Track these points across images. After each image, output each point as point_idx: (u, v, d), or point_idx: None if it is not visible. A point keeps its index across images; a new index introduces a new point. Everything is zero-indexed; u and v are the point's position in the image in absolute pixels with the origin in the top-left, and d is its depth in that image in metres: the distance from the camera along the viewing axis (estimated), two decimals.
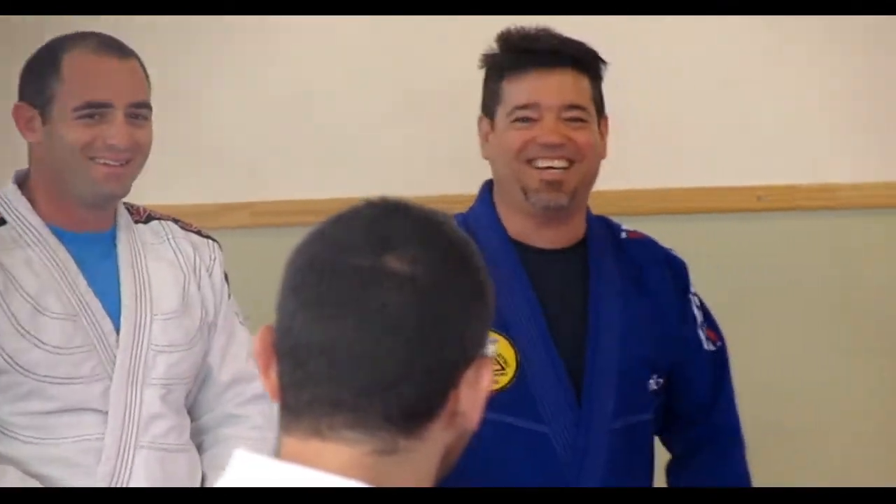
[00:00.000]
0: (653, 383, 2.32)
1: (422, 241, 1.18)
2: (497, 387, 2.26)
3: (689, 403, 2.41)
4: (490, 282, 1.21)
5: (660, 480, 2.54)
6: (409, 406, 1.12)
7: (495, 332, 2.27)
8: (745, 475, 2.45)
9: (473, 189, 2.56)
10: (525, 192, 2.25)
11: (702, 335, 2.40)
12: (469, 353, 1.15)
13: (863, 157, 3.45)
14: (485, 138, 2.34)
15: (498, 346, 2.29)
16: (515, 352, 2.26)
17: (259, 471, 1.15)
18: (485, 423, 2.22)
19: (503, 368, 2.27)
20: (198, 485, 2.48)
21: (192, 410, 2.54)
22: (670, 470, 2.50)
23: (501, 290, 2.29)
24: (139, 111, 2.38)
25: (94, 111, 2.34)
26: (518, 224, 2.29)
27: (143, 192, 2.53)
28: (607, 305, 2.30)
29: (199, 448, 2.54)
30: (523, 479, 2.28)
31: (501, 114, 2.30)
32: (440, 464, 1.19)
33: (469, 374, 1.14)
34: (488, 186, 2.38)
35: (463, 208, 2.49)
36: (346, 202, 1.23)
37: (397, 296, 1.14)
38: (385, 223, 1.17)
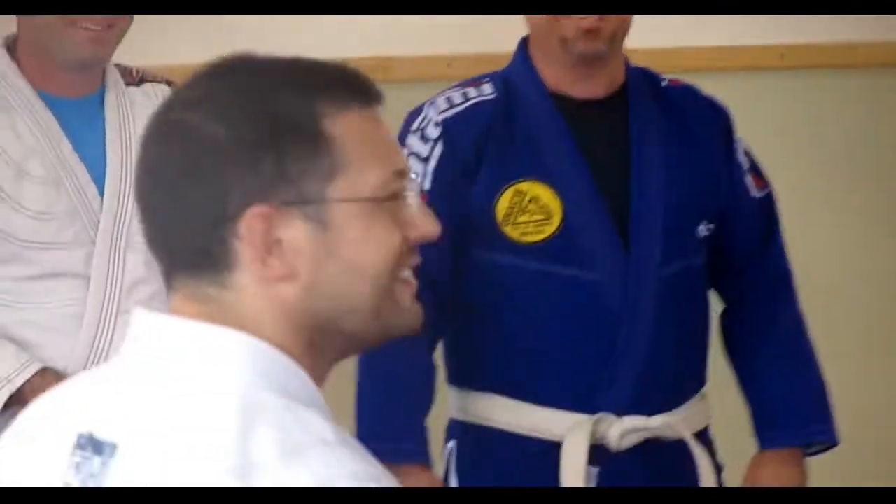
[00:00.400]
0: (703, 229, 2.32)
1: (210, 99, 1.20)
2: (542, 237, 2.28)
3: (739, 250, 2.42)
4: (289, 132, 1.21)
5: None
6: (188, 256, 1.17)
7: (538, 182, 2.30)
8: (799, 319, 2.45)
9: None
10: (563, 41, 2.26)
11: (748, 181, 2.41)
12: (239, 205, 1.15)
13: (886, 17, 3.47)
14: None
15: (543, 195, 2.31)
16: (560, 201, 2.27)
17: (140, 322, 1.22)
18: (531, 273, 2.25)
19: (548, 218, 2.27)
20: None
21: None
22: (724, 318, 2.50)
23: (543, 141, 2.30)
24: None
25: None
26: (556, 76, 2.30)
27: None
28: (650, 151, 2.31)
29: None
30: (571, 329, 2.29)
31: None
32: (306, 311, 1.20)
33: (257, 225, 1.15)
34: (524, 43, 2.38)
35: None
36: None
37: (164, 148, 1.19)
38: (198, 81, 1.22)
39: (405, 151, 2.33)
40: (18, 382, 2.42)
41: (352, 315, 1.20)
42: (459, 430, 2.44)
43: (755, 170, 2.44)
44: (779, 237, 2.46)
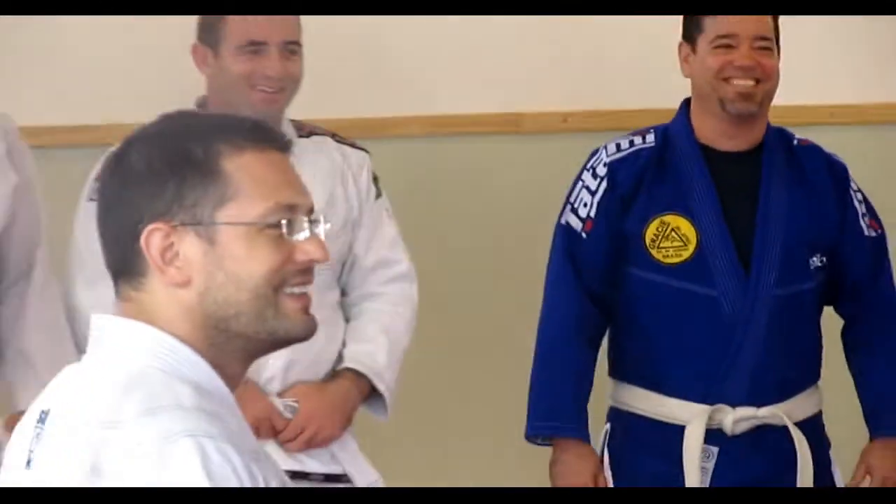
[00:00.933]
0: (816, 260, 2.86)
1: (142, 139, 1.48)
2: (679, 260, 2.82)
3: (850, 280, 2.95)
4: (189, 166, 1.45)
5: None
6: (111, 263, 1.49)
7: (680, 215, 2.82)
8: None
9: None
10: (722, 102, 2.78)
11: (863, 224, 2.93)
12: (145, 223, 1.43)
13: None
14: (685, 60, 2.87)
15: (682, 226, 2.86)
16: (697, 231, 2.80)
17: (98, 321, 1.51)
18: (670, 288, 2.80)
19: (685, 245, 2.82)
20: (334, 352, 2.95)
21: (343, 289, 2.99)
22: (844, 331, 3.05)
23: (686, 183, 2.85)
24: (291, 47, 2.89)
25: (254, 48, 2.85)
26: (710, 131, 2.83)
27: None
28: (776, 195, 2.83)
29: (347, 320, 2.98)
30: (697, 335, 2.82)
31: (703, 41, 2.83)
32: (202, 312, 1.45)
33: (155, 241, 1.42)
34: (686, 103, 2.92)
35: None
36: None
37: (107, 176, 1.51)
38: (145, 126, 1.51)
39: (580, 184, 2.89)
40: None
41: (238, 318, 1.43)
42: (613, 414, 2.94)
43: (871, 214, 2.95)
44: (889, 271, 2.99)
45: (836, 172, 2.98)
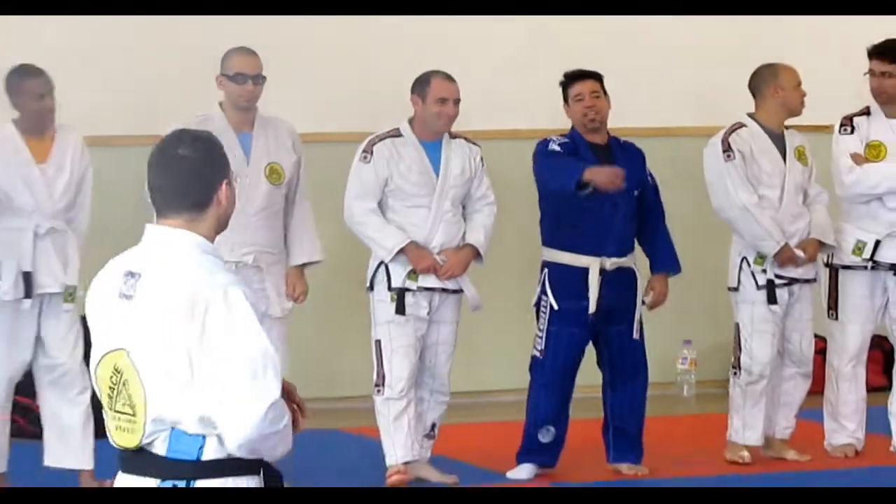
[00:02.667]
0: (636, 192, 6.28)
1: (189, 140, 3.00)
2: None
3: (646, 200, 6.36)
4: (212, 157, 2.95)
5: None
6: (191, 202, 2.93)
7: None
8: (665, 227, 6.49)
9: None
10: (584, 124, 6.35)
11: (649, 177, 6.47)
12: (214, 183, 2.92)
13: None
14: (565, 107, 6.38)
15: None
16: None
17: (151, 231, 2.97)
18: (580, 201, 6.67)
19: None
20: (460, 235, 6.29)
21: (463, 206, 6.39)
22: (639, 227, 6.48)
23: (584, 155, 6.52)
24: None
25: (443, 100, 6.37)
26: (586, 135, 6.29)
27: None
28: (619, 160, 6.22)
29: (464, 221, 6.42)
30: (593, 225, 6.14)
31: (572, 97, 6.33)
32: (217, 221, 2.98)
33: (221, 190, 2.91)
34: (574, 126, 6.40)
35: None
36: None
37: (180, 163, 2.96)
38: (177, 136, 3.02)
39: (551, 144, 6.29)
40: (404, 244, 6.39)
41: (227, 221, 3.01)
42: (548, 265, 6.41)
43: (650, 173, 6.47)
44: (659, 196, 6.48)
45: (638, 152, 6.59)
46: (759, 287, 7.35)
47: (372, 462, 7.32)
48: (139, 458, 3.38)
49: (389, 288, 6.86)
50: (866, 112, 7.55)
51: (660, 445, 7.64)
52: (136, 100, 8.65)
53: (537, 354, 7.11)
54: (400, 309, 6.76)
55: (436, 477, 7.12)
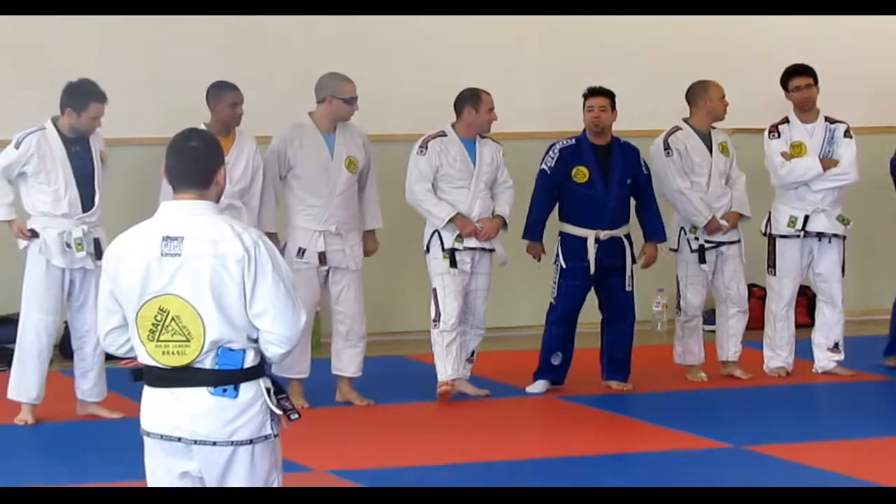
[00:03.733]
0: (629, 181, 8.33)
1: (198, 136, 4.26)
2: (584, 180, 8.10)
3: (639, 188, 8.43)
4: (213, 149, 4.15)
5: None
6: (200, 181, 4.11)
7: (583, 166, 8.20)
8: (657, 209, 8.59)
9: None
10: (591, 131, 8.42)
11: (643, 167, 8.50)
12: (215, 168, 4.13)
13: None
14: (584, 112, 8.37)
15: (582, 171, 8.16)
16: (590, 171, 8.16)
17: (170, 205, 4.12)
18: (580, 191, 8.90)
19: (586, 175, 8.10)
20: (491, 209, 8.38)
21: (490, 188, 8.41)
22: (636, 206, 8.58)
23: (587, 155, 9.26)
24: None
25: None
26: (591, 137, 8.33)
27: None
28: (615, 157, 8.30)
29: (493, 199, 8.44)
30: (591, 208, 8.27)
31: (586, 108, 8.37)
32: (216, 196, 4.14)
33: (220, 172, 4.14)
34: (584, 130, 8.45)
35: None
36: None
37: (192, 152, 4.17)
38: (187, 133, 4.23)
39: (549, 155, 8.35)
40: (453, 214, 8.35)
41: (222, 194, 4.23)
42: (561, 234, 8.56)
43: (645, 165, 8.48)
44: (651, 183, 8.51)
45: (634, 150, 8.54)
46: (692, 250, 9.26)
47: (427, 380, 8.96)
48: (188, 374, 4.40)
49: (443, 248, 8.66)
50: (786, 121, 9.38)
51: (641, 368, 9.48)
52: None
53: (552, 301, 9.02)
54: (453, 263, 8.62)
55: (473, 391, 8.97)
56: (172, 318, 4.37)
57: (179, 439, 4.58)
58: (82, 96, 8.32)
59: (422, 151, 8.79)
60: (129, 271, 4.40)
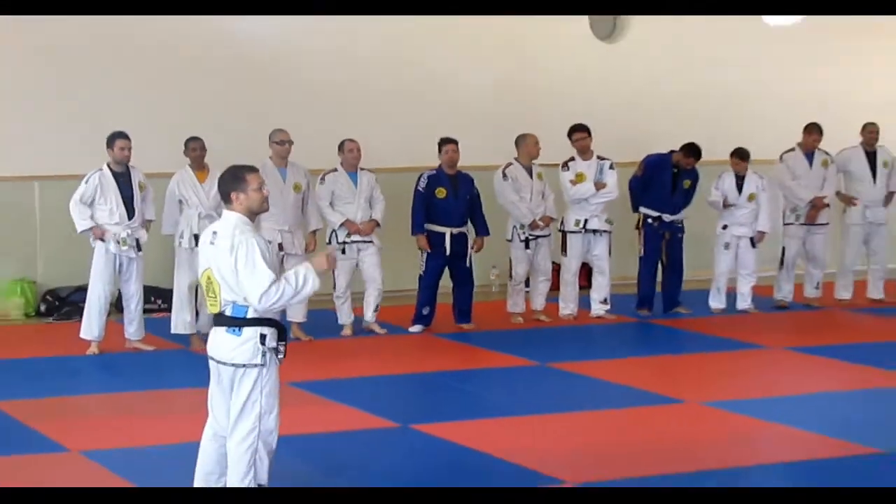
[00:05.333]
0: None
1: (226, 170, 5.86)
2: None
3: None
4: (229, 178, 5.89)
5: None
6: (224, 200, 5.75)
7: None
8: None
9: None
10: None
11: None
12: (230, 191, 5.76)
13: None
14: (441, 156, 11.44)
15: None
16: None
17: (223, 213, 5.90)
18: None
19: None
20: None
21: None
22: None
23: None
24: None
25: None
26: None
27: None
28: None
29: None
30: (448, 210, 11.55)
31: (443, 150, 11.35)
32: (243, 209, 5.79)
33: (234, 194, 5.71)
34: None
35: None
36: None
37: (220, 179, 5.82)
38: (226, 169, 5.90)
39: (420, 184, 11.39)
40: (342, 220, 11.25)
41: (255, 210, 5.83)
42: (427, 231, 11.41)
43: (477, 189, 11.56)
44: (479, 199, 11.56)
45: (469, 178, 11.35)
46: (521, 240, 11.70)
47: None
48: (220, 317, 5.66)
49: (337, 242, 11.14)
50: (572, 159, 11.94)
51: (480, 315, 11.85)
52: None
53: (420, 273, 11.54)
54: (343, 251, 11.12)
55: (378, 330, 11.38)
56: (210, 283, 5.81)
57: (212, 358, 5.99)
58: (111, 137, 10.36)
59: (322, 181, 11.30)
60: (200, 253, 5.91)
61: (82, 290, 11.31)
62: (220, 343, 5.90)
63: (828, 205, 12.86)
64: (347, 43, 13.17)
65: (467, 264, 11.83)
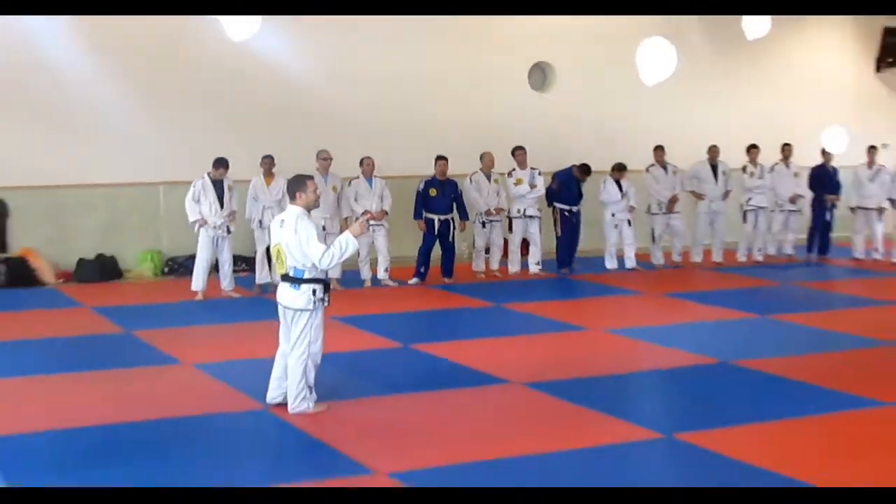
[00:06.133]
0: None
1: (291, 177, 5.59)
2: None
3: None
4: (293, 182, 5.51)
5: None
6: (290, 197, 5.42)
7: None
8: None
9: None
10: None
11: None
12: (295, 190, 5.48)
13: None
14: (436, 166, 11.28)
15: None
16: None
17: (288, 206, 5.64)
18: None
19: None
20: None
21: None
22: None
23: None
24: None
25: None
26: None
27: None
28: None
29: None
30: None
31: (437, 164, 11.16)
32: (303, 204, 5.47)
33: (297, 192, 5.40)
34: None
35: None
36: None
37: (287, 181, 5.56)
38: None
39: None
40: (362, 211, 10.73)
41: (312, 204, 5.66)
42: (424, 217, 11.32)
43: (459, 190, 11.35)
44: (461, 196, 11.43)
45: (454, 182, 11.23)
46: (481, 223, 11.39)
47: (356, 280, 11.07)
48: (285, 277, 5.58)
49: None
50: (515, 168, 11.72)
51: (457, 272, 11.46)
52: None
53: (421, 245, 11.34)
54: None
55: (389, 282, 11.00)
56: (278, 252, 5.76)
57: (279, 304, 5.93)
58: (216, 162, 10.29)
59: (349, 184, 11.02)
60: (272, 232, 5.81)
61: (191, 257, 11.16)
62: (285, 293, 5.83)
63: (678, 199, 12.84)
64: (371, 94, 12.91)
65: (450, 239, 11.73)
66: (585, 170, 12.08)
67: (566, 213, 12.17)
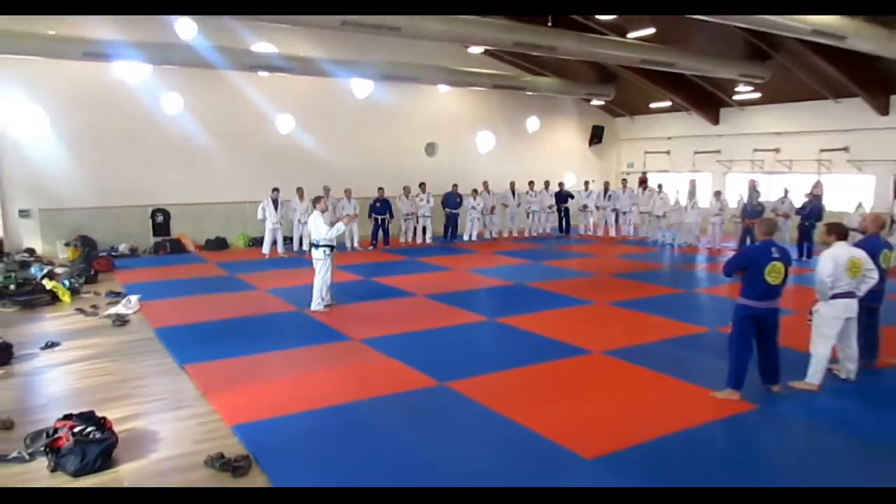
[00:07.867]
0: None
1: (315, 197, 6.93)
2: None
3: None
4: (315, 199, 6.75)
5: None
6: (314, 204, 6.50)
7: None
8: None
9: None
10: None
11: None
12: (318, 202, 6.64)
13: None
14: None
15: None
16: None
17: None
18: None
19: None
20: None
21: None
22: None
23: None
24: None
25: None
26: None
27: None
28: None
29: None
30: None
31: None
32: (322, 210, 6.67)
33: (319, 202, 6.51)
34: None
35: None
36: None
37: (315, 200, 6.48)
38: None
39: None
40: (347, 213, 13.21)
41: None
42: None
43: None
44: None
45: (457, 195, 13.58)
46: (403, 218, 12.88)
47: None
48: (311, 245, 6.21)
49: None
50: (420, 192, 13.48)
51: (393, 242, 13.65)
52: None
53: (372, 228, 12.65)
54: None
55: (360, 250, 12.72)
56: (310, 233, 6.57)
57: (310, 258, 6.46)
58: (274, 189, 11.99)
59: (339, 201, 12.45)
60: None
61: (262, 238, 14.45)
62: (314, 251, 7.76)
63: (496, 207, 16.04)
64: (343, 155, 15.79)
65: (386, 226, 14.38)
66: (455, 192, 15.28)
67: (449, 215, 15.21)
